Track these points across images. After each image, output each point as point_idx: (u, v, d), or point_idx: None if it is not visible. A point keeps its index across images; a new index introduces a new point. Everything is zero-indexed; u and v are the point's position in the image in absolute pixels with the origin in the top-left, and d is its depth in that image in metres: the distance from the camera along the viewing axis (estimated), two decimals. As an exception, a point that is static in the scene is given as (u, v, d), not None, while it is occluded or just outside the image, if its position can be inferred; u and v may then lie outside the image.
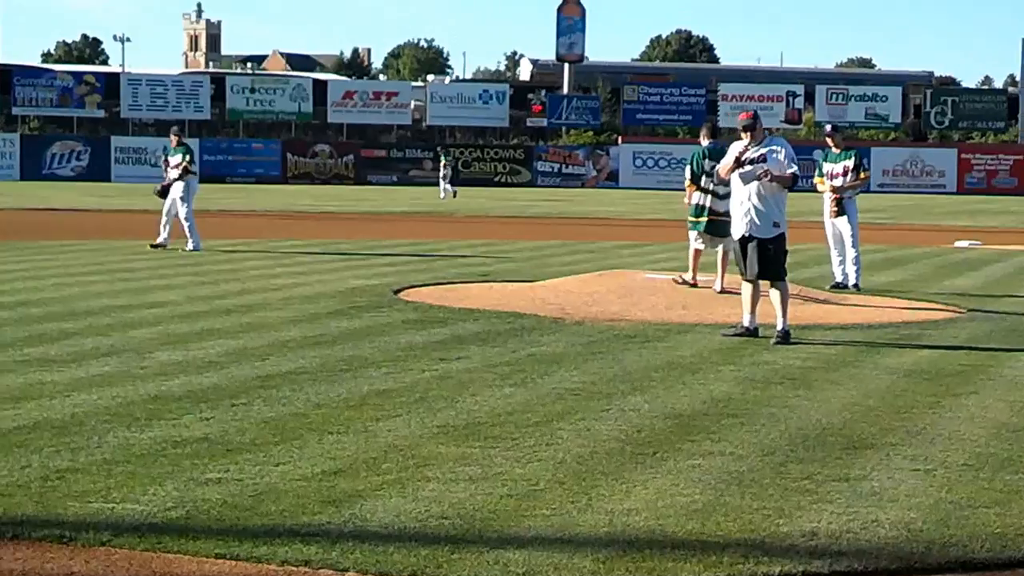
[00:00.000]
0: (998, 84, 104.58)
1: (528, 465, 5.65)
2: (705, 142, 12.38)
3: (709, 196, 12.08)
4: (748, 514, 4.97)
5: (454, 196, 38.23)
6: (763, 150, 9.62)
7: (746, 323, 9.76)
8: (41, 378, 7.47)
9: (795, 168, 9.69)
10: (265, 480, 5.32)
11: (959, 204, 41.62)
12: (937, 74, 75.53)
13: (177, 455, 5.71)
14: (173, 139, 18.42)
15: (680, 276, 12.32)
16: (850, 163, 13.80)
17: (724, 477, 5.51)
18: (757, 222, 9.59)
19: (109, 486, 5.18)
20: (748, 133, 9.73)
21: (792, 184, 9.68)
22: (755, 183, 9.55)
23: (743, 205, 9.67)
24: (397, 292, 12.32)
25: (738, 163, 9.64)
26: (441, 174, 40.29)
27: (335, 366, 8.10)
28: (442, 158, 41.46)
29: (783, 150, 9.71)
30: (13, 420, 6.34)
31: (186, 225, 17.34)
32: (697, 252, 12.25)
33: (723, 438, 6.24)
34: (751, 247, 9.61)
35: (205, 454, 5.72)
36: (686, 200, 12.38)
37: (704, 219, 12.17)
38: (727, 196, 12.20)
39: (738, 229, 9.75)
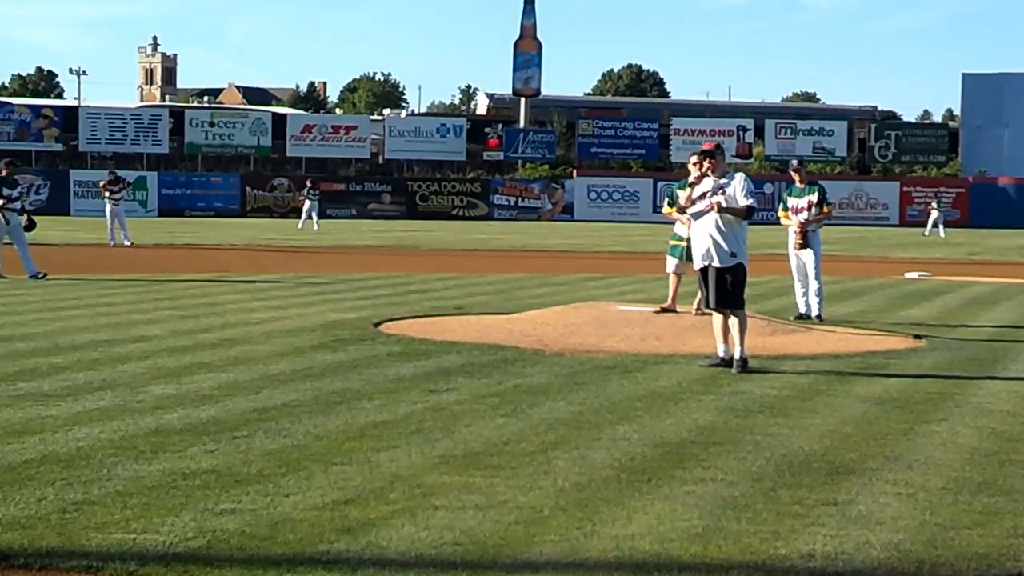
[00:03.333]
0: (937, 118, 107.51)
1: (530, 493, 5.83)
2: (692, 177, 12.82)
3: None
4: (747, 538, 5.18)
5: (315, 229, 39.15)
6: (721, 183, 9.97)
7: (720, 353, 10.06)
8: (39, 413, 7.56)
9: (750, 201, 9.95)
10: (278, 510, 5.46)
11: (903, 236, 42.56)
12: (880, 108, 77.22)
13: (188, 486, 5.83)
14: (5, 170, 18.72)
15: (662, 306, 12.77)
16: (814, 197, 14.17)
17: (719, 502, 5.73)
18: (715, 253, 9.92)
19: (127, 517, 5.29)
20: (709, 162, 10.05)
21: (747, 216, 9.99)
22: (714, 215, 9.89)
23: (702, 236, 10.02)
24: (377, 325, 12.49)
25: (699, 196, 9.99)
26: (306, 206, 41.51)
27: (328, 398, 8.26)
28: (306, 190, 42.69)
29: (740, 183, 9.98)
30: (19, 454, 6.43)
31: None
32: (676, 279, 12.71)
33: (712, 465, 6.47)
34: (709, 276, 9.94)
35: (215, 485, 5.85)
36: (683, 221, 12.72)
37: (672, 243, 12.82)
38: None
39: (697, 260, 10.10)
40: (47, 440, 6.76)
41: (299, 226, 40.27)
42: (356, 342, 11.23)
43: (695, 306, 12.66)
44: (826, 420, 7.84)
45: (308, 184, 44.01)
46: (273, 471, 6.16)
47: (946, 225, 44.95)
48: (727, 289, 9.88)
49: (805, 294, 14.18)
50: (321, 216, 45.12)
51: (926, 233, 43.07)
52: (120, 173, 32.34)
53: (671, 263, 12.84)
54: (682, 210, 11.02)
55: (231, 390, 8.52)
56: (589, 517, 5.44)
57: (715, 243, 9.89)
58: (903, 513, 5.59)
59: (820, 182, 15.02)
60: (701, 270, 10.03)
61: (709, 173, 10.06)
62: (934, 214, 44.34)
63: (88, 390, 8.41)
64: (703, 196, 9.99)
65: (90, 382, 8.74)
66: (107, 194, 28.70)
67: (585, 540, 5.11)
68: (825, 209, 14.32)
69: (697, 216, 9.96)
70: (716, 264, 9.88)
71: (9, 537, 4.97)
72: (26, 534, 5.02)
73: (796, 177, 14.43)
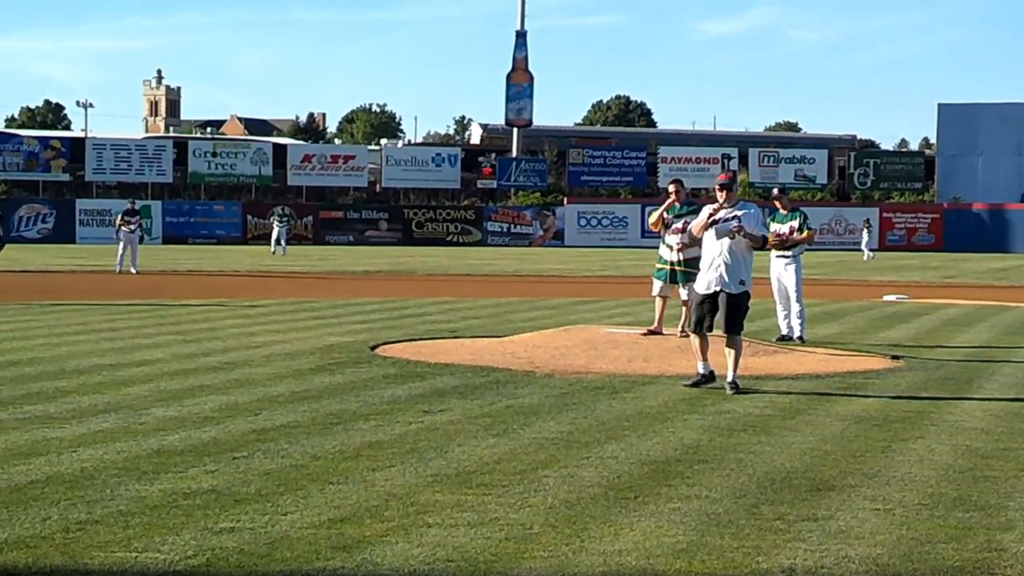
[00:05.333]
0: (913, 146, 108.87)
1: (521, 511, 5.98)
2: (677, 204, 12.86)
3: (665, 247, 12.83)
4: (729, 553, 5.33)
5: (283, 253, 39.98)
6: (737, 212, 10.14)
7: (701, 370, 10.26)
8: (45, 435, 7.72)
9: (765, 231, 10.40)
10: (276, 529, 5.59)
11: (882, 260, 42.78)
12: (859, 137, 77.94)
13: (189, 506, 5.96)
14: None
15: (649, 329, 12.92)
16: (796, 223, 14.48)
17: (703, 519, 5.88)
18: (726, 278, 10.08)
19: (129, 536, 5.42)
20: (724, 192, 10.25)
21: (761, 245, 10.28)
22: (727, 241, 10.05)
23: (713, 262, 10.15)
24: (374, 348, 12.69)
25: (712, 223, 10.17)
26: (275, 232, 42.36)
27: (326, 420, 8.44)
28: (274, 218, 43.39)
29: (757, 214, 10.27)
30: (25, 475, 6.58)
31: None
32: (662, 301, 12.88)
33: (697, 482, 6.64)
34: (720, 300, 10.09)
35: (215, 505, 5.99)
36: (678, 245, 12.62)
37: (658, 266, 12.93)
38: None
39: (706, 284, 10.20)
40: (52, 461, 6.92)
41: (276, 251, 40.83)
42: (353, 365, 11.42)
43: (680, 328, 12.86)
44: (807, 438, 8.03)
45: (280, 210, 44.47)
46: (271, 490, 6.31)
47: (923, 250, 45.42)
48: (734, 313, 10.05)
49: (787, 316, 14.42)
50: (320, 242, 45.45)
51: (864, 258, 43.26)
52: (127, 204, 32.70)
53: (657, 286, 13.03)
54: (694, 241, 10.99)
55: (231, 412, 8.70)
56: (577, 533, 5.59)
57: (727, 268, 10.06)
58: (881, 528, 5.75)
59: (802, 208, 15.31)
60: (707, 295, 10.13)
61: (724, 203, 10.20)
62: (865, 237, 45.48)
63: (93, 412, 8.58)
64: (715, 221, 10.08)
65: (95, 405, 8.92)
66: (128, 228, 28.95)
67: (573, 556, 5.25)
68: (807, 233, 14.57)
69: (721, 233, 10.08)
70: (725, 290, 10.05)
71: (14, 556, 5.10)
72: (31, 553, 5.15)
73: (779, 204, 14.73)
